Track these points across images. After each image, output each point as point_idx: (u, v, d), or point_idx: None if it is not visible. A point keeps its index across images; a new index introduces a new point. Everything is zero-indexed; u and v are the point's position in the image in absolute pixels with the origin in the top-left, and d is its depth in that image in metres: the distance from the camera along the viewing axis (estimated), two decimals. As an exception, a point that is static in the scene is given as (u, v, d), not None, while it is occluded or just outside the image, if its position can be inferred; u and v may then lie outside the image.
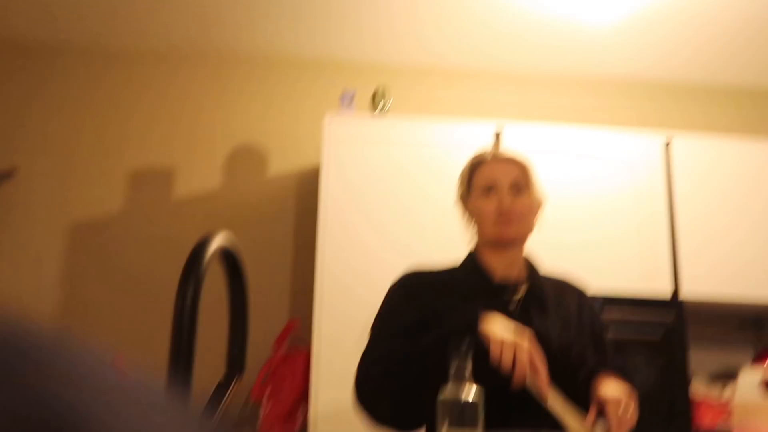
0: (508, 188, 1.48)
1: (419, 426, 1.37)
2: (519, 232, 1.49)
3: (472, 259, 1.54)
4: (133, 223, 3.11)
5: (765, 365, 2.54)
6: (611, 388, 1.26)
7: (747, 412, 0.50)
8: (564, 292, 1.55)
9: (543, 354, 1.36)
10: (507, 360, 1.17)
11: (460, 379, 1.03)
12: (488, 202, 1.48)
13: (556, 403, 1.14)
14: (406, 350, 1.33)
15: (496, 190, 1.48)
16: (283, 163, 3.23)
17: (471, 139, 2.71)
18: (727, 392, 2.46)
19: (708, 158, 2.81)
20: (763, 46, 3.16)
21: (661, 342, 2.60)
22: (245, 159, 3.23)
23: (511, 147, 1.71)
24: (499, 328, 1.23)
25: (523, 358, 1.16)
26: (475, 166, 1.55)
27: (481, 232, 1.52)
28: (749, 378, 0.52)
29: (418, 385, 1.25)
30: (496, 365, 1.17)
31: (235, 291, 1.00)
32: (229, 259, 0.98)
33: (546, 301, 1.48)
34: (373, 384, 1.37)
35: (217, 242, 0.91)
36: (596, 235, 2.70)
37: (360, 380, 1.40)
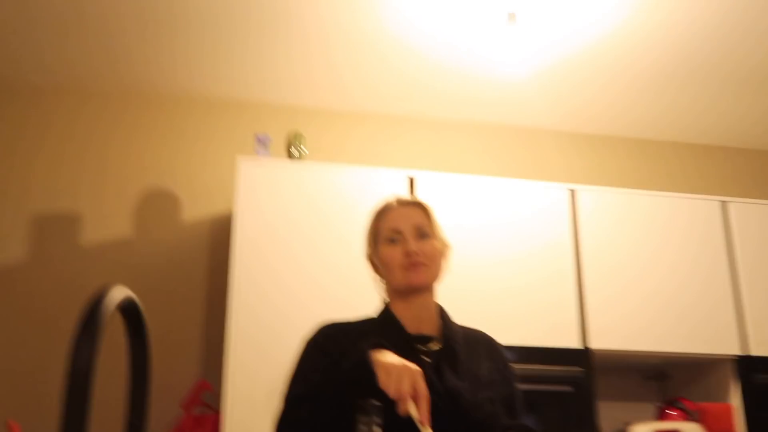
0: (413, 232, 1.49)
1: None
2: (427, 277, 1.48)
3: (386, 311, 1.52)
4: (38, 270, 2.92)
5: (658, 420, 2.60)
6: None
7: None
8: (477, 346, 1.54)
9: (456, 406, 1.33)
10: (392, 382, 1.16)
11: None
12: (394, 249, 1.48)
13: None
14: (313, 415, 1.28)
15: (401, 236, 1.49)
16: (195, 207, 3.11)
17: (386, 184, 2.69)
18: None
19: (613, 209, 2.90)
20: (672, 99, 3.33)
21: (572, 393, 2.62)
22: (156, 203, 3.09)
23: (414, 194, 1.71)
24: (387, 357, 1.22)
25: (406, 382, 1.16)
26: (380, 215, 1.55)
27: (390, 283, 1.50)
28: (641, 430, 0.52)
29: None
30: (384, 390, 1.16)
31: (136, 351, 0.91)
32: (131, 314, 0.89)
33: (458, 358, 1.46)
34: None
35: (116, 296, 0.83)
36: (504, 285, 2.72)
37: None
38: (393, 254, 1.47)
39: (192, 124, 3.22)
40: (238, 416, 2.38)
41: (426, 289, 1.50)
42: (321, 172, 2.74)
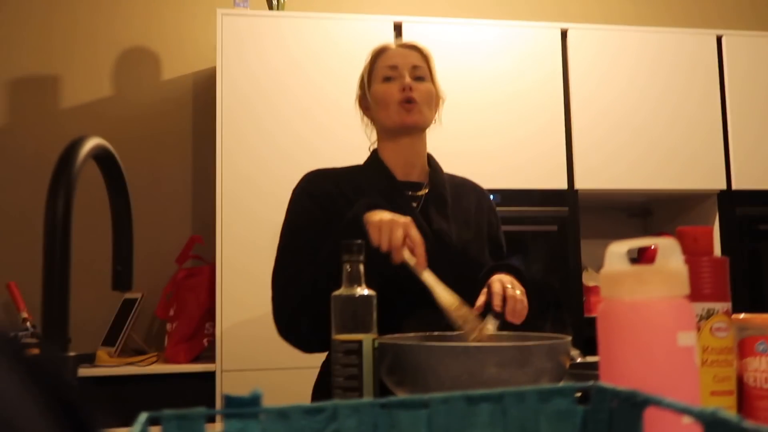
0: (410, 72, 1.46)
1: None
2: (421, 118, 1.45)
3: (374, 157, 1.52)
4: (18, 132, 2.90)
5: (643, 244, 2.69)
6: (502, 278, 1.28)
7: (613, 281, 0.53)
8: (463, 191, 1.56)
9: (443, 248, 1.37)
10: (384, 237, 1.17)
11: (353, 280, 1.01)
12: (390, 86, 1.46)
13: (430, 278, 1.16)
14: (311, 267, 1.30)
15: (398, 73, 1.46)
16: (176, 64, 3.05)
17: (371, 33, 2.63)
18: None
19: (606, 48, 2.83)
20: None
21: (556, 232, 2.71)
22: (136, 62, 3.03)
23: (410, 38, 1.66)
24: (379, 214, 1.22)
25: (399, 232, 1.16)
26: (377, 54, 1.51)
27: (383, 121, 1.48)
28: (616, 250, 0.54)
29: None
30: (376, 246, 1.17)
31: (115, 198, 0.93)
32: (105, 162, 0.91)
33: (446, 202, 1.48)
34: (289, 313, 1.34)
35: (88, 144, 0.84)
36: (494, 129, 2.72)
37: (276, 311, 1.37)
38: (389, 90, 1.45)
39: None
40: (229, 269, 2.48)
41: (418, 130, 1.48)
42: (303, 20, 2.66)
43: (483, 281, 1.29)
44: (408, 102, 1.43)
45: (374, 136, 1.55)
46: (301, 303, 1.30)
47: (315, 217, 1.40)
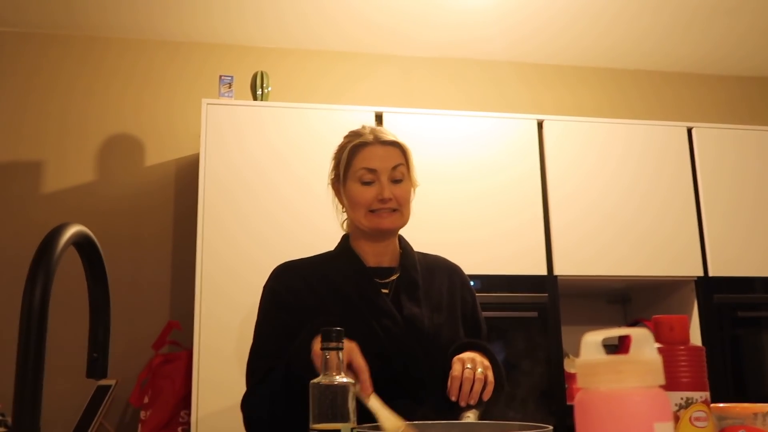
0: (388, 175, 1.44)
1: None
2: (396, 221, 1.46)
3: (345, 245, 1.51)
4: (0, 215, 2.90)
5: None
6: (462, 357, 1.26)
7: (589, 371, 0.53)
8: (436, 271, 1.55)
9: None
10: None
11: (331, 368, 1.01)
12: (366, 191, 1.44)
13: (375, 404, 1.12)
14: (274, 388, 1.32)
15: (376, 177, 1.44)
16: (160, 151, 3.09)
17: (352, 122, 2.68)
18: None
19: (579, 139, 2.92)
20: (642, 27, 3.32)
21: (537, 319, 2.70)
22: (120, 147, 3.07)
23: (390, 129, 1.68)
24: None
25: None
26: (355, 149, 1.48)
27: (355, 220, 1.47)
28: (591, 339, 0.54)
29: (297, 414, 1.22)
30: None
31: (94, 284, 0.93)
32: (86, 248, 0.91)
33: (417, 285, 1.47)
34: (250, 414, 1.38)
35: (70, 232, 0.85)
36: (472, 216, 2.76)
37: (243, 404, 1.40)
38: (365, 195, 1.43)
39: (155, 67, 3.17)
40: (206, 356, 2.43)
41: (393, 233, 1.49)
42: (286, 111, 2.73)
43: (449, 361, 1.28)
44: (386, 210, 1.43)
45: (344, 216, 1.55)
46: (260, 415, 1.34)
47: (282, 323, 1.41)
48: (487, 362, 1.25)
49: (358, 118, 2.74)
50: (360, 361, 1.15)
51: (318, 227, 2.57)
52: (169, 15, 3.00)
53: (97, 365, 0.92)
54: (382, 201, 1.43)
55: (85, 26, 3.07)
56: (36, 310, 0.81)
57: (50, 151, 3.00)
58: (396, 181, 1.45)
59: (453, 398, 1.18)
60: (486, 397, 1.18)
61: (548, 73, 3.54)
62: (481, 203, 2.78)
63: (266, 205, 2.61)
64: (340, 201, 1.54)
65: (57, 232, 0.84)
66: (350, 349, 1.14)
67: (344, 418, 0.98)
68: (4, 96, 3.02)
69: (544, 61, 3.51)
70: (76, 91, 3.08)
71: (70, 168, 3.00)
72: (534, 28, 3.22)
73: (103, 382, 2.58)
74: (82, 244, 0.90)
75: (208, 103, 2.66)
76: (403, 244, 1.55)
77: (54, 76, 3.08)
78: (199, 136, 2.67)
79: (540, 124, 2.91)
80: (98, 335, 0.93)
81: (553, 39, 3.32)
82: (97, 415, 2.48)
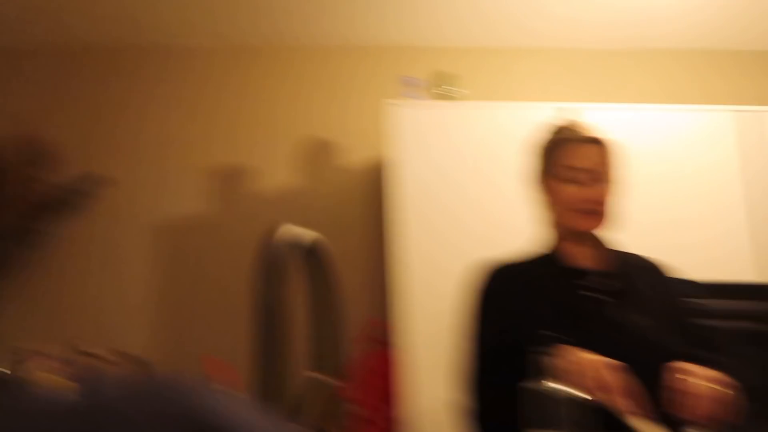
0: (591, 175, 1.41)
1: None
2: (601, 223, 1.43)
3: (552, 251, 1.48)
4: (214, 222, 3.11)
5: None
6: (683, 368, 1.16)
7: None
8: (641, 271, 1.48)
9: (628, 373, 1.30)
10: (589, 380, 1.09)
11: (542, 372, 0.99)
12: (572, 190, 1.41)
13: (636, 421, 1.06)
14: (509, 376, 1.26)
15: (578, 176, 1.41)
16: (349, 153, 3.18)
17: (544, 121, 2.60)
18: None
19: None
20: None
21: None
22: (310, 152, 3.20)
23: (592, 125, 1.59)
24: (575, 353, 1.15)
25: (591, 379, 1.09)
26: (558, 143, 1.46)
27: (560, 219, 1.45)
28: None
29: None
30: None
31: (322, 287, 0.98)
32: (318, 255, 0.96)
33: (638, 293, 1.41)
34: (496, 418, 1.32)
35: (307, 237, 0.90)
36: (676, 215, 2.58)
37: (481, 416, 1.36)
38: (570, 194, 1.41)
39: (339, 73, 3.27)
40: (413, 353, 2.39)
41: (599, 234, 1.47)
42: (473, 110, 2.68)
43: (664, 371, 1.19)
44: (591, 210, 1.41)
45: (550, 220, 1.51)
46: (504, 415, 1.26)
47: (501, 326, 1.39)
48: (713, 375, 1.15)
49: (550, 114, 2.64)
50: (611, 379, 1.10)
51: (510, 226, 2.47)
52: (355, 18, 3.09)
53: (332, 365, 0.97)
54: (587, 203, 1.40)
55: (265, 36, 3.21)
56: (271, 309, 0.86)
57: (249, 157, 3.19)
58: (597, 182, 1.41)
59: (672, 413, 1.10)
60: (714, 415, 1.09)
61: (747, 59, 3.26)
62: (683, 201, 2.59)
63: (457, 205, 2.57)
64: (545, 199, 1.51)
65: (294, 237, 0.89)
66: (600, 367, 1.11)
67: (556, 426, 0.96)
68: (206, 107, 3.23)
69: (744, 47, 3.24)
70: (266, 99, 3.24)
71: (267, 173, 3.16)
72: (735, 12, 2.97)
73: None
74: (316, 251, 0.95)
75: (391, 105, 2.66)
76: (610, 245, 1.50)
77: (244, 87, 3.26)
78: (384, 137, 2.69)
79: (737, 115, 2.67)
80: (329, 338, 0.98)
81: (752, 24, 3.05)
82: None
